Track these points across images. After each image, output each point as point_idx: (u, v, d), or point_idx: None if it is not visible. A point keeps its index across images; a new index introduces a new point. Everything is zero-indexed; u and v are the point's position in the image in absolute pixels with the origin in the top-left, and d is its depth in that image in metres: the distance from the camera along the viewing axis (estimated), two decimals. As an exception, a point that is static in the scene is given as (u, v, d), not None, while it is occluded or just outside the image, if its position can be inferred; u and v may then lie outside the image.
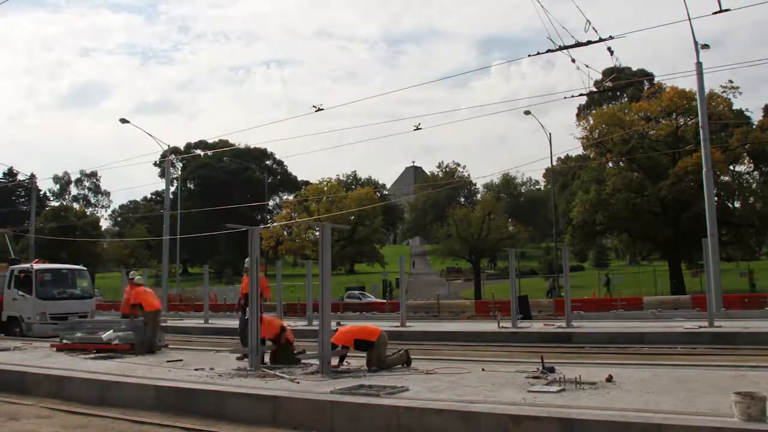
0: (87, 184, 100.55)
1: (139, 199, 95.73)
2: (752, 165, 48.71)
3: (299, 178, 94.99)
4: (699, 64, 25.53)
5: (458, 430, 6.66)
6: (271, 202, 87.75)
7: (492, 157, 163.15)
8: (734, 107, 43.49)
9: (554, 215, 47.99)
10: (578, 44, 16.03)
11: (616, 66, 25.10)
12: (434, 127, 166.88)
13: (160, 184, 71.15)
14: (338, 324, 23.14)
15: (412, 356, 10.80)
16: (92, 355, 13.19)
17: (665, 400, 6.93)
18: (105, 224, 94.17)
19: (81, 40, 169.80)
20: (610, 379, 8.33)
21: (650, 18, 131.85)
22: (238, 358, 11.59)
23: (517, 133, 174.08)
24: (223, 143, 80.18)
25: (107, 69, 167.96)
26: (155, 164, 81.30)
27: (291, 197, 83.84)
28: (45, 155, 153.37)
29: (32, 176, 67.40)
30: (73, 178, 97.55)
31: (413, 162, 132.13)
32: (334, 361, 10.25)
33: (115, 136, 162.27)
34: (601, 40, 16.25)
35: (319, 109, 22.06)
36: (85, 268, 24.12)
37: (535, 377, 8.74)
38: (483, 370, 9.89)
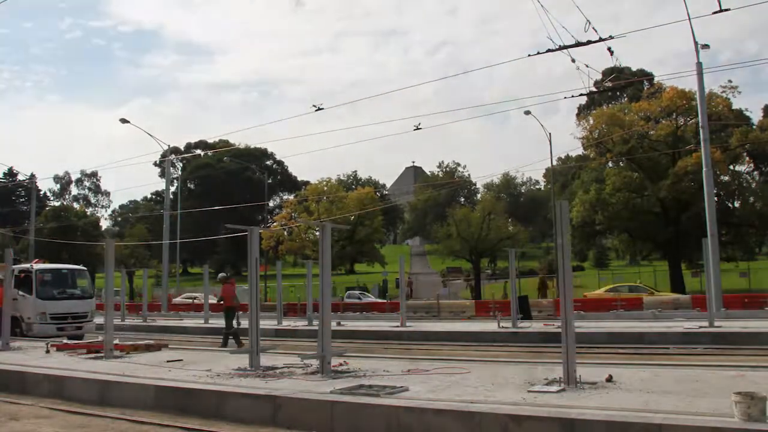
0: (87, 184, 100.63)
1: (139, 199, 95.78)
2: (752, 165, 48.73)
3: (299, 178, 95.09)
4: (699, 64, 25.56)
5: (458, 430, 6.66)
6: (271, 203, 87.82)
7: (493, 156, 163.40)
8: (733, 107, 43.50)
9: (554, 215, 47.82)
10: (578, 44, 16.03)
11: (616, 66, 25.13)
12: (434, 126, 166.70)
13: (160, 184, 71.24)
14: (338, 324, 23.25)
15: (413, 356, 10.81)
16: (92, 355, 13.19)
17: (665, 400, 6.93)
18: (105, 224, 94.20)
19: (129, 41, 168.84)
20: (610, 379, 8.33)
21: (651, 18, 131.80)
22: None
23: (519, 132, 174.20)
24: (223, 143, 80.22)
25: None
26: (155, 164, 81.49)
27: (291, 197, 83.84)
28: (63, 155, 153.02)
29: (32, 176, 67.55)
30: (73, 178, 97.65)
31: (413, 162, 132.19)
32: (335, 361, 10.25)
33: (115, 136, 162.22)
34: (600, 39, 16.25)
35: (319, 109, 22.10)
36: (85, 268, 24.09)
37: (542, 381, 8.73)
38: (483, 370, 9.89)
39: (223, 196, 69.86)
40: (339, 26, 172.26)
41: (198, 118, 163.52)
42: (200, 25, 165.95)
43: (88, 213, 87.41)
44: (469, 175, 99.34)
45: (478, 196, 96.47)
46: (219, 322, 28.50)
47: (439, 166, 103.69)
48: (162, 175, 68.13)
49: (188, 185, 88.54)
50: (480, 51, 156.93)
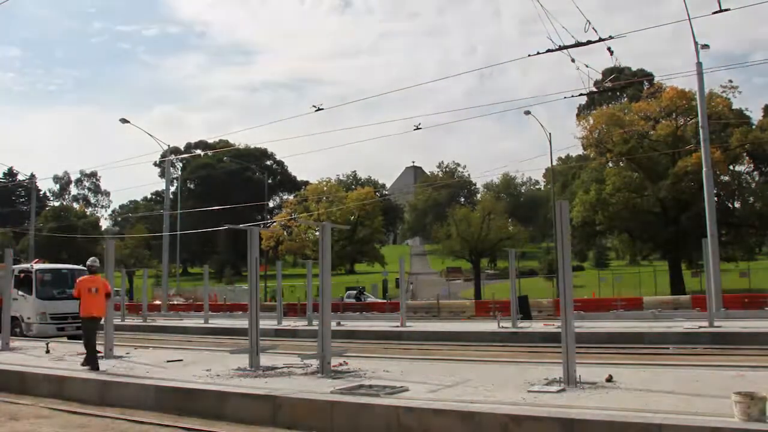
0: (87, 184, 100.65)
1: (139, 199, 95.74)
2: (752, 165, 48.68)
3: (299, 178, 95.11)
4: (699, 64, 25.55)
5: (458, 430, 6.66)
6: (271, 203, 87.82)
7: (493, 156, 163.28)
8: (733, 107, 43.50)
9: (554, 215, 47.74)
10: (578, 44, 16.03)
11: (616, 66, 25.13)
12: (434, 126, 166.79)
13: (160, 184, 71.22)
14: (338, 324, 23.26)
15: (413, 356, 10.81)
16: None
17: (665, 400, 6.93)
18: (105, 224, 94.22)
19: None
20: (610, 379, 8.33)
21: (652, 18, 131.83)
22: None
23: (520, 132, 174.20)
24: (224, 143, 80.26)
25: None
26: (155, 164, 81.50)
27: (291, 197, 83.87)
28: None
29: (32, 176, 67.53)
30: (73, 178, 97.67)
31: (413, 162, 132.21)
32: (335, 361, 10.25)
33: (115, 136, 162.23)
34: (600, 39, 16.25)
35: (319, 109, 22.12)
36: (85, 268, 24.07)
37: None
38: (483, 370, 9.89)
39: (224, 197, 69.90)
40: (383, 27, 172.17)
41: (228, 119, 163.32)
42: (244, 25, 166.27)
43: (88, 213, 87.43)
44: (469, 175, 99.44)
45: (478, 196, 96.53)
46: (219, 322, 28.55)
47: (439, 166, 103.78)
48: (162, 175, 68.16)
49: (188, 185, 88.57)
50: (518, 52, 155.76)
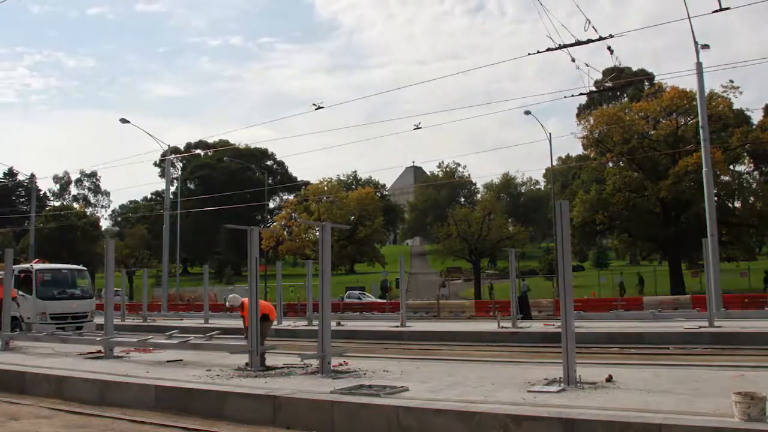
0: (87, 184, 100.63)
1: (139, 199, 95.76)
2: (752, 165, 48.65)
3: (299, 178, 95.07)
4: (699, 64, 25.51)
5: (458, 430, 6.66)
6: (271, 203, 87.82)
7: (494, 156, 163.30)
8: (734, 107, 43.48)
9: (554, 215, 47.69)
10: (578, 43, 16.04)
11: (616, 66, 25.11)
12: (434, 126, 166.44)
13: (160, 184, 71.23)
14: (338, 324, 23.25)
15: (413, 356, 10.80)
16: (92, 355, 13.19)
17: (665, 400, 6.93)
18: (105, 224, 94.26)
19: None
20: (610, 379, 8.33)
21: (652, 18, 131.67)
22: None
23: (520, 132, 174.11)
24: (223, 143, 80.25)
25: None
26: (155, 164, 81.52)
27: (291, 197, 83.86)
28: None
29: (32, 176, 67.52)
30: (73, 178, 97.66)
31: (413, 162, 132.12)
32: (335, 361, 10.25)
33: (115, 136, 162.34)
34: (600, 38, 16.27)
35: (319, 107, 22.14)
36: (85, 268, 24.08)
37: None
38: (483, 370, 9.89)
39: (224, 197, 69.93)
40: (508, 29, 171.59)
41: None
42: (373, 26, 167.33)
43: (88, 213, 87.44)
44: (469, 175, 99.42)
45: (478, 196, 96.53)
46: (219, 322, 28.48)
47: (439, 166, 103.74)
48: (162, 175, 68.20)
49: (188, 185, 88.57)
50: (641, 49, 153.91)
